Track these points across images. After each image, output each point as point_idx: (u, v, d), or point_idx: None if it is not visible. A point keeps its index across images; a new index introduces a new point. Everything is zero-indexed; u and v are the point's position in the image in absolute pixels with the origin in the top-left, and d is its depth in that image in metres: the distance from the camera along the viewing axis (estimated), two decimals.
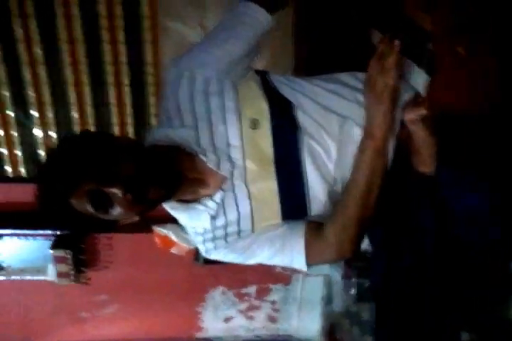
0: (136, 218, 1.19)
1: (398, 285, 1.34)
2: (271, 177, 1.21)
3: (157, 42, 2.35)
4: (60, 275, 2.86)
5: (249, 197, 1.22)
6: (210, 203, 1.23)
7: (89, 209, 1.09)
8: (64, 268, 2.83)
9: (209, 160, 1.19)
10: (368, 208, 1.20)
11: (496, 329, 1.56)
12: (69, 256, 2.79)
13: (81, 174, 1.08)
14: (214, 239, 1.26)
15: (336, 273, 2.71)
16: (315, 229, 1.22)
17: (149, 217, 2.78)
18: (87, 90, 2.46)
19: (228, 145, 1.21)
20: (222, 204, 1.23)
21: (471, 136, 1.09)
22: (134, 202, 1.09)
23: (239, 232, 1.24)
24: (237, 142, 1.21)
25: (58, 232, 2.82)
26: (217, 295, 3.33)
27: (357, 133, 1.21)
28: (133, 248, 3.05)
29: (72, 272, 2.86)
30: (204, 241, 1.28)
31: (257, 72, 1.33)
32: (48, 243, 2.81)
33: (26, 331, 3.21)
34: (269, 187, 1.22)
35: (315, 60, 2.00)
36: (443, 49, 0.91)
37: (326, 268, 3.12)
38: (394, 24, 1.16)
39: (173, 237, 2.69)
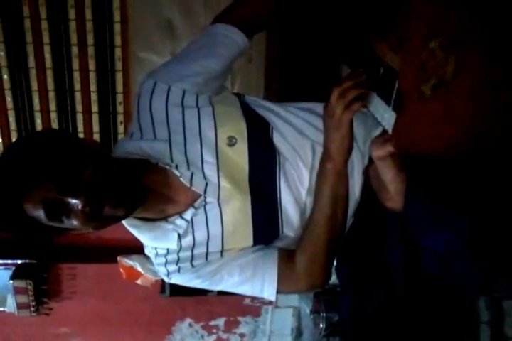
0: (90, 230, 1.09)
1: (366, 322, 1.32)
2: (245, 197, 1.18)
3: (128, 72, 2.33)
4: (20, 306, 2.79)
5: (221, 217, 1.17)
6: (179, 221, 1.17)
7: (42, 217, 1.01)
8: (24, 299, 2.76)
9: (182, 175, 1.14)
10: (335, 233, 1.19)
11: None
12: (30, 287, 2.72)
13: (39, 176, 0.99)
14: (178, 261, 1.20)
15: (305, 306, 2.68)
16: (286, 258, 1.20)
17: (114, 246, 2.75)
18: (53, 117, 2.43)
19: (202, 161, 1.17)
20: (191, 223, 1.17)
21: (439, 171, 1.10)
22: (91, 217, 1.02)
23: (206, 255, 1.19)
24: (211, 158, 1.17)
25: (19, 261, 2.74)
26: (185, 327, 3.27)
27: None
28: (97, 278, 2.98)
29: (33, 303, 2.79)
30: (166, 264, 1.21)
31: (232, 94, 1.32)
32: (8, 273, 2.73)
33: None
34: (242, 206, 1.18)
35: (285, 88, 2.01)
36: (409, 88, 0.91)
37: (295, 300, 3.09)
38: (362, 60, 1.16)
39: (139, 268, 2.63)
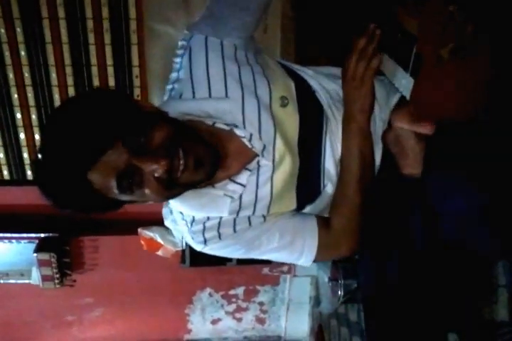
0: (160, 201, 1.02)
1: (386, 285, 1.34)
2: (295, 159, 1.14)
3: (143, 45, 2.34)
4: (44, 278, 2.84)
5: (272, 180, 1.12)
6: (231, 186, 1.11)
7: (113, 188, 0.90)
8: (48, 271, 2.81)
9: (244, 135, 1.07)
10: (365, 193, 1.17)
11: (481, 329, 1.57)
12: (53, 259, 2.78)
13: (109, 138, 0.86)
14: (220, 227, 1.12)
15: (323, 274, 2.72)
16: (324, 225, 1.18)
17: (135, 219, 2.80)
18: (71, 92, 2.44)
19: (260, 121, 1.10)
20: (240, 188, 1.11)
21: (459, 137, 1.10)
22: (169, 185, 0.93)
23: (250, 220, 1.13)
24: (269, 119, 1.11)
25: (42, 235, 2.80)
26: (205, 297, 3.33)
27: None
28: (118, 250, 3.04)
29: (57, 275, 2.84)
30: (204, 230, 1.12)
31: None
32: (32, 246, 2.79)
33: (11, 335, 3.18)
34: (292, 168, 1.14)
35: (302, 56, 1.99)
36: (428, 52, 0.92)
37: (313, 269, 3.13)
38: (380, 26, 1.16)
39: (159, 240, 2.67)
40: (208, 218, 1.12)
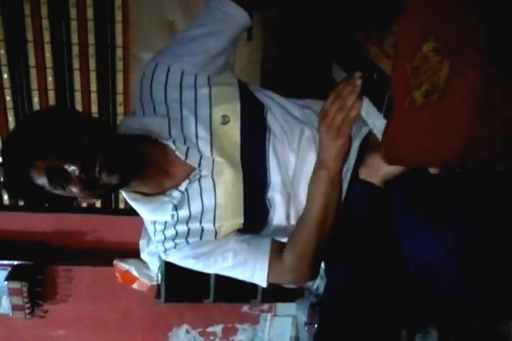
0: (94, 200, 1.24)
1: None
2: (237, 171, 1.24)
3: (129, 72, 2.30)
4: (14, 308, 2.74)
5: (215, 190, 1.24)
6: (175, 193, 1.24)
7: (46, 184, 1.12)
8: (19, 300, 2.71)
9: (178, 149, 1.21)
10: (324, 235, 1.21)
11: None
12: (25, 288, 2.68)
13: (42, 146, 1.10)
14: (176, 236, 1.26)
15: (301, 316, 2.62)
16: (277, 250, 1.25)
17: (111, 249, 2.72)
18: None
19: (197, 136, 1.24)
20: (186, 195, 1.25)
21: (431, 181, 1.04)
22: (88, 184, 1.11)
23: (201, 232, 1.26)
24: (206, 134, 1.24)
25: (15, 263, 2.71)
26: (182, 333, 3.20)
27: (314, 157, 1.23)
28: (93, 281, 2.92)
29: (28, 305, 2.74)
30: (164, 240, 1.28)
31: (239, 81, 1.36)
32: (3, 274, 2.69)
33: None
34: (234, 180, 1.24)
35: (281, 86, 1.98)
36: (401, 94, 0.86)
37: (292, 309, 3.03)
38: (356, 64, 1.11)
39: (135, 273, 2.59)
40: (165, 226, 1.28)
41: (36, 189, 1.13)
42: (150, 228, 1.32)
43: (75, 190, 1.12)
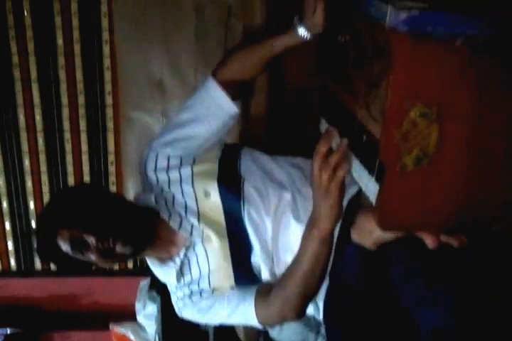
0: (112, 265, 1.57)
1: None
2: (223, 240, 1.39)
3: (119, 132, 2.28)
4: None
5: (207, 257, 1.40)
6: (177, 259, 1.43)
7: (69, 250, 1.32)
8: None
9: (171, 221, 1.41)
10: (310, 289, 1.27)
11: None
12: None
13: (66, 218, 1.32)
14: (184, 297, 1.44)
15: None
16: (264, 294, 1.36)
17: (107, 312, 2.63)
18: (44, 179, 2.36)
19: (186, 210, 1.42)
20: (187, 261, 1.43)
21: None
22: (104, 253, 1.31)
23: (200, 292, 1.42)
24: (193, 208, 1.42)
25: (8, 331, 2.61)
26: None
27: (291, 221, 1.36)
28: None
29: None
30: (177, 300, 1.47)
31: (230, 145, 1.56)
32: None
33: None
34: (221, 248, 1.39)
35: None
36: (391, 159, 0.83)
37: None
38: (346, 126, 1.10)
39: (132, 337, 2.49)
40: (176, 288, 1.46)
41: (63, 254, 1.34)
42: (169, 287, 1.51)
43: (92, 257, 1.32)
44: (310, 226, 1.18)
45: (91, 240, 1.30)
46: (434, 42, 0.77)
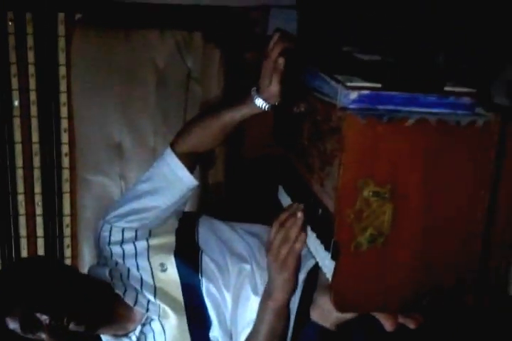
0: None
1: None
2: (181, 315, 1.34)
3: (75, 194, 2.23)
4: None
5: (164, 333, 1.34)
6: (133, 336, 1.37)
7: (17, 327, 1.23)
8: None
9: (126, 297, 1.33)
10: None
11: None
12: None
13: (17, 297, 1.24)
14: None
15: None
16: None
17: None
18: None
19: (142, 284, 1.36)
20: (144, 339, 1.36)
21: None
22: (56, 332, 1.23)
23: None
24: (149, 282, 1.37)
25: None
26: None
27: (250, 294, 1.33)
28: None
29: None
30: None
31: (188, 214, 1.52)
32: None
33: None
34: (179, 324, 1.34)
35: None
36: (345, 239, 0.81)
37: None
38: (301, 197, 1.08)
39: None
40: None
41: (10, 331, 1.26)
42: None
43: (43, 336, 1.24)
44: (265, 297, 1.15)
45: (44, 319, 1.23)
46: (385, 121, 0.77)
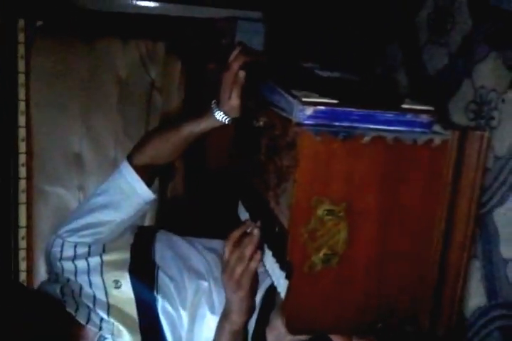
0: None
1: None
2: (135, 334, 1.30)
3: (32, 205, 2.16)
4: None
5: None
6: None
7: None
8: None
9: (78, 315, 1.26)
10: None
11: None
12: None
13: None
14: None
15: None
16: None
17: None
18: None
19: (95, 302, 1.31)
20: None
21: None
22: None
23: None
24: (103, 299, 1.32)
25: None
26: None
27: (207, 313, 1.30)
28: None
29: None
30: None
31: (145, 229, 1.50)
32: None
33: None
34: None
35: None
36: (298, 259, 0.79)
37: None
38: (259, 213, 1.05)
39: None
40: None
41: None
42: None
43: None
44: (222, 319, 1.12)
45: None
46: (340, 138, 0.75)
